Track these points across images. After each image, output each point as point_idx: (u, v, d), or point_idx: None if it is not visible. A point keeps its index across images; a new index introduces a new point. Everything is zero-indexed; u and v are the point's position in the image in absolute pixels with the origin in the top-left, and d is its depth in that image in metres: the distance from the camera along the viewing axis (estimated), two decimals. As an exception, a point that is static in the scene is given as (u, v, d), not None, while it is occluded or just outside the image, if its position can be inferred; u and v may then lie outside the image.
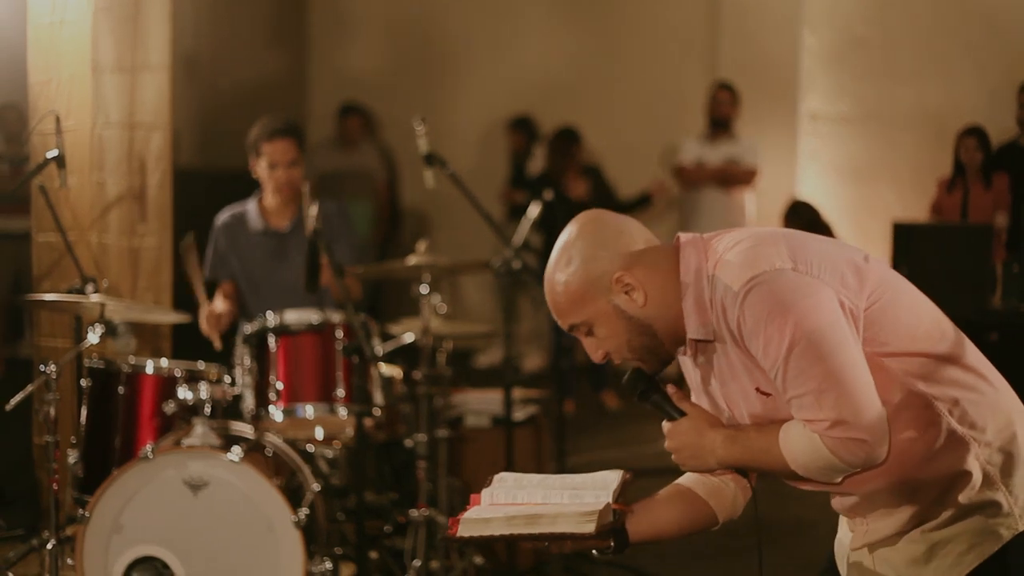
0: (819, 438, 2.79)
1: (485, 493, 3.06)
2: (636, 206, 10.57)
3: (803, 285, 2.81)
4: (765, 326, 2.80)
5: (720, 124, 10.55)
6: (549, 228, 10.15)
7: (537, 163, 11.54)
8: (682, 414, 3.03)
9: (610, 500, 2.95)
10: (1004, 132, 8.78)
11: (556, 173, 10.19)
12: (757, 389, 2.93)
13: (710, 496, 3.16)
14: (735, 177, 10.50)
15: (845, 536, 3.17)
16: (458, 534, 2.95)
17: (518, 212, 11.37)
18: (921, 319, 2.95)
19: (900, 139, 9.79)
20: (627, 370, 3.09)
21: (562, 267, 3.01)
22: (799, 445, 2.84)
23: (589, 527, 2.86)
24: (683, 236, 3.02)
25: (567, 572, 6.35)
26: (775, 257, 2.85)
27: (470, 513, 3.00)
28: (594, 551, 3.07)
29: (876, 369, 2.84)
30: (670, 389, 3.06)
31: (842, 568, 3.19)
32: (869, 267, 2.93)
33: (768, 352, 2.81)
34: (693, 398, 3.11)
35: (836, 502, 3.11)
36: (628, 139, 11.83)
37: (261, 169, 6.16)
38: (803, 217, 9.36)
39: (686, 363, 3.13)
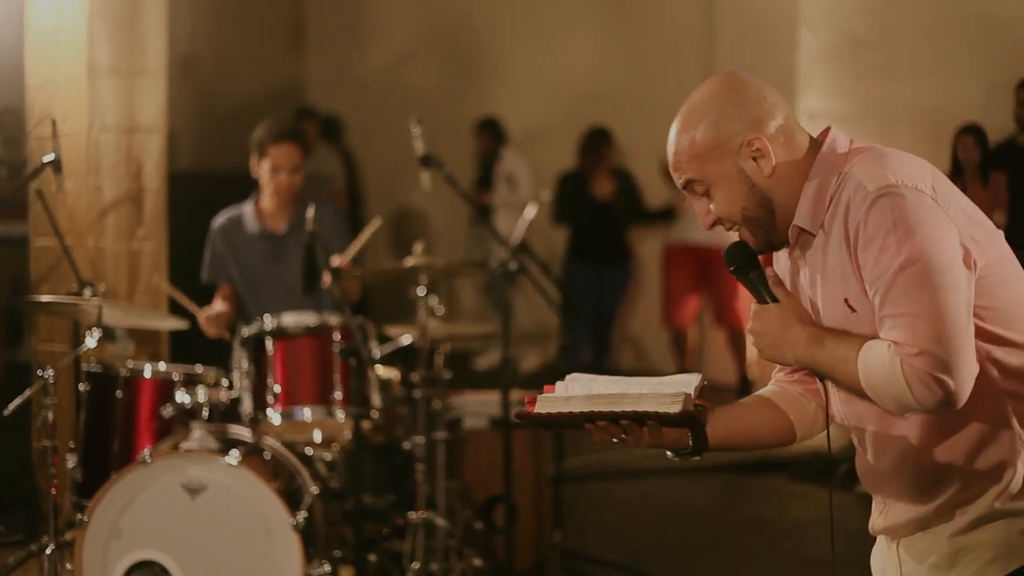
0: (900, 363, 2.66)
1: (559, 385, 2.94)
2: (659, 217, 10.73)
3: (937, 215, 2.72)
4: (885, 235, 2.69)
5: None
6: (572, 222, 10.23)
7: (505, 165, 11.64)
8: (775, 300, 2.90)
9: (692, 393, 2.82)
10: (1001, 130, 8.76)
11: (585, 171, 10.30)
12: (846, 300, 2.82)
13: (791, 409, 3.06)
14: None
15: (880, 551, 3.11)
16: (536, 411, 2.86)
17: (484, 213, 11.47)
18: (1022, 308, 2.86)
19: (898, 137, 9.75)
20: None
21: (693, 121, 2.88)
22: (878, 364, 2.70)
23: (674, 407, 2.75)
24: (834, 129, 2.93)
25: (565, 572, 6.36)
26: (919, 179, 2.76)
27: (548, 394, 2.90)
28: (669, 452, 2.96)
29: None
30: (769, 271, 2.95)
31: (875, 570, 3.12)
32: (997, 238, 2.84)
33: (880, 261, 2.70)
34: None
35: (862, 468, 3.02)
36: (624, 140, 11.83)
37: (263, 171, 6.15)
38: None
39: (780, 256, 3.03)
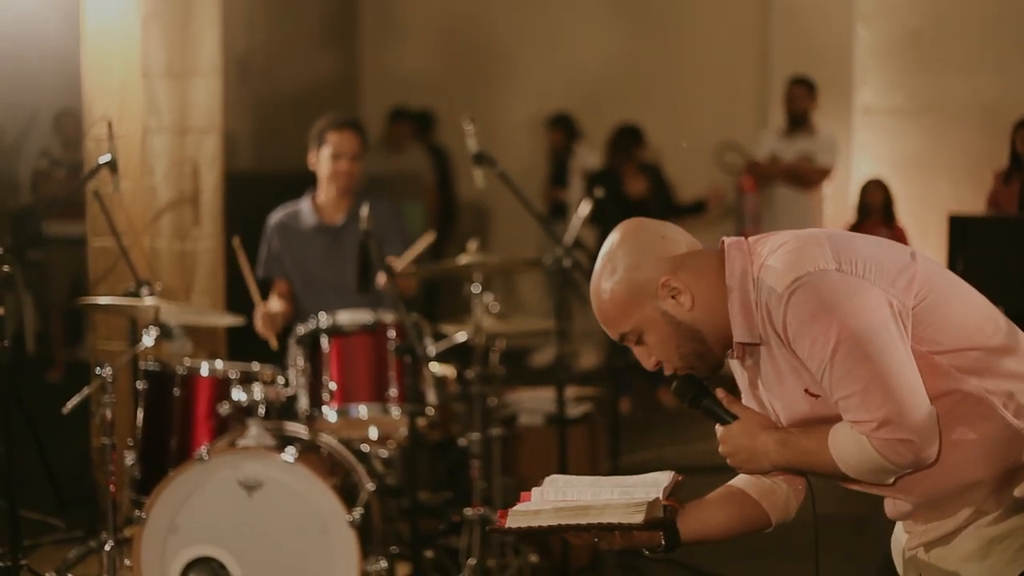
0: (867, 439, 2.78)
1: (535, 492, 3.08)
2: (691, 211, 10.55)
3: (848, 285, 2.80)
4: (810, 327, 2.78)
5: (797, 120, 10.45)
6: (603, 224, 10.14)
7: (579, 161, 11.57)
8: (734, 418, 3.02)
9: (660, 496, 2.94)
10: (1059, 123, 8.69)
11: (615, 170, 10.19)
12: (806, 391, 2.92)
13: (763, 497, 3.15)
14: (805, 175, 10.37)
15: (901, 533, 3.15)
16: (507, 525, 2.97)
17: (560, 210, 11.42)
18: (972, 313, 2.92)
19: (955, 131, 9.71)
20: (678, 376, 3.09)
21: (607, 276, 2.99)
22: (847, 447, 2.83)
23: (637, 517, 2.86)
24: (727, 239, 3.01)
25: (622, 568, 6.34)
26: (819, 258, 2.83)
27: (520, 506, 3.02)
28: (645, 550, 3.06)
29: (927, 367, 2.81)
30: (720, 393, 3.05)
31: (898, 564, 3.16)
32: (916, 265, 2.90)
33: (814, 353, 2.80)
34: (743, 400, 3.11)
35: (890, 508, 3.08)
36: (679, 135, 11.80)
37: (323, 159, 6.21)
38: (877, 196, 9.35)
39: (735, 365, 3.12)
